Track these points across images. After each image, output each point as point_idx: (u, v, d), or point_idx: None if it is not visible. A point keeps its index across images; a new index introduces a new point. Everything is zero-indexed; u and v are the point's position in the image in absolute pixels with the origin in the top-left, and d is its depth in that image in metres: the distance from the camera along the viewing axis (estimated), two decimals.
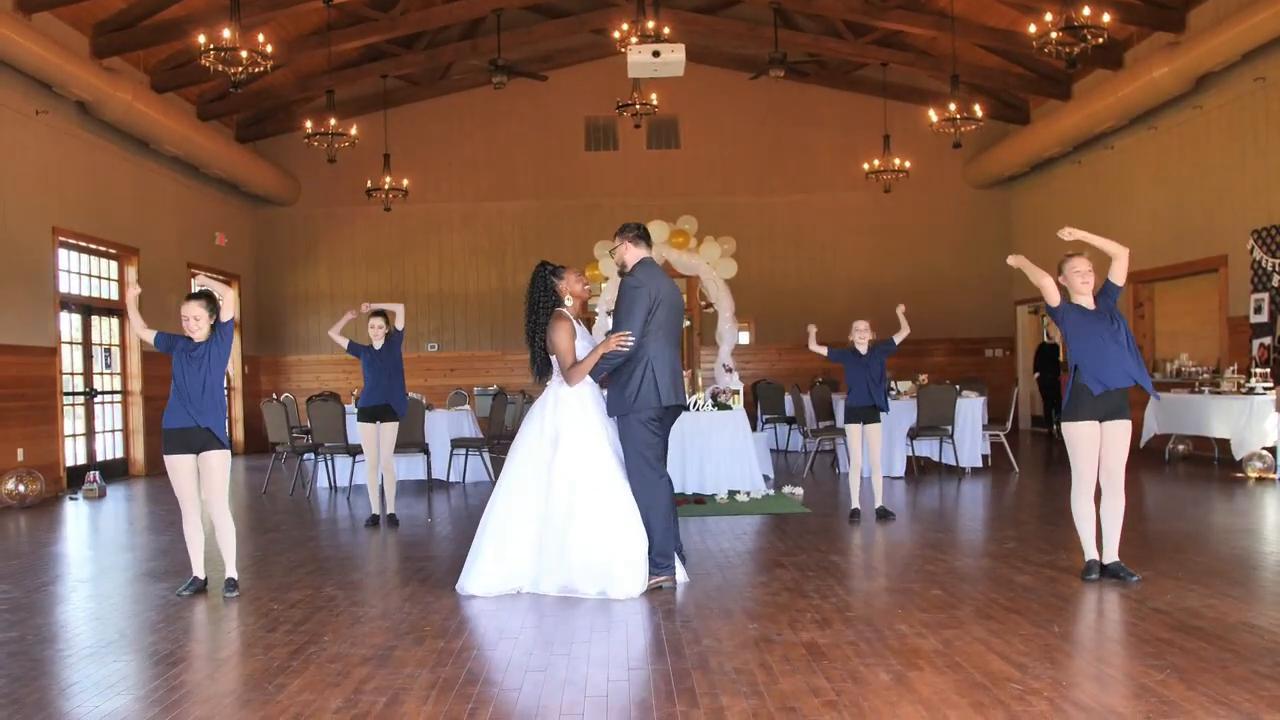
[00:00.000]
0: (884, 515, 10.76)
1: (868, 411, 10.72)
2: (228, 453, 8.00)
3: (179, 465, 7.85)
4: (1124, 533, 7.63)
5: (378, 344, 11.41)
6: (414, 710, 5.07)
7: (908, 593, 7.34)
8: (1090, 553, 7.58)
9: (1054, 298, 7.64)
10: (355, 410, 11.68)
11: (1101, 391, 7.36)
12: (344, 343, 11.54)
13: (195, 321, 7.88)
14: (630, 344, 7.58)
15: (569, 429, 7.67)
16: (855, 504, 10.89)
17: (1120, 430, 7.45)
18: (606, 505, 7.55)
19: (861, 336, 10.87)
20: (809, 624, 6.51)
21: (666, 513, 7.68)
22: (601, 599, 7.39)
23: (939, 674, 5.40)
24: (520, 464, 7.80)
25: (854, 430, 10.82)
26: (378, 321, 11.50)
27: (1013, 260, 8.37)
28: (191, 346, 7.85)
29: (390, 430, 11.48)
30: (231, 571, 7.98)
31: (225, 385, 8.07)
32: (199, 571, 8.02)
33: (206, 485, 7.94)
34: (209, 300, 7.98)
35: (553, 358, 7.84)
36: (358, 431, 11.65)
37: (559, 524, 7.55)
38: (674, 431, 8.79)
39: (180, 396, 7.80)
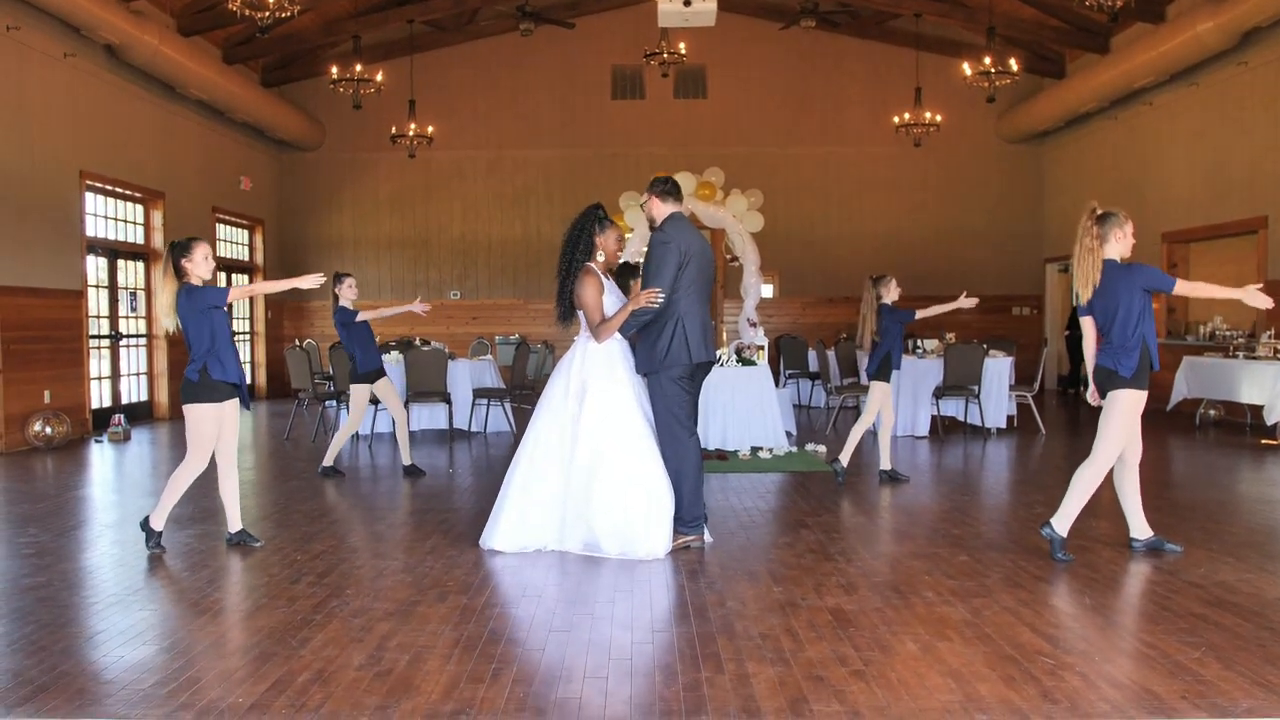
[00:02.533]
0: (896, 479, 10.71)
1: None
2: None
3: (217, 414, 7.76)
4: (1157, 500, 7.54)
5: (349, 305, 11.26)
6: (437, 669, 5.04)
7: (934, 558, 7.27)
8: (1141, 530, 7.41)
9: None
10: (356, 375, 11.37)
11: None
12: (349, 306, 11.20)
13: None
14: (660, 300, 7.47)
15: (595, 384, 7.60)
16: (886, 465, 10.79)
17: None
18: (632, 462, 7.48)
19: (893, 294, 10.57)
20: (834, 588, 6.46)
21: (696, 472, 7.62)
22: (624, 558, 7.34)
23: (968, 645, 5.34)
24: (546, 420, 7.72)
25: (882, 388, 10.65)
26: (352, 280, 11.37)
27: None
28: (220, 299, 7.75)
29: (390, 385, 11.47)
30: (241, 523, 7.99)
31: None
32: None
33: (231, 434, 7.90)
34: None
35: (579, 313, 7.75)
36: (357, 394, 11.31)
37: (583, 480, 7.49)
38: None
39: (229, 349, 7.71)
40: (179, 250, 7.65)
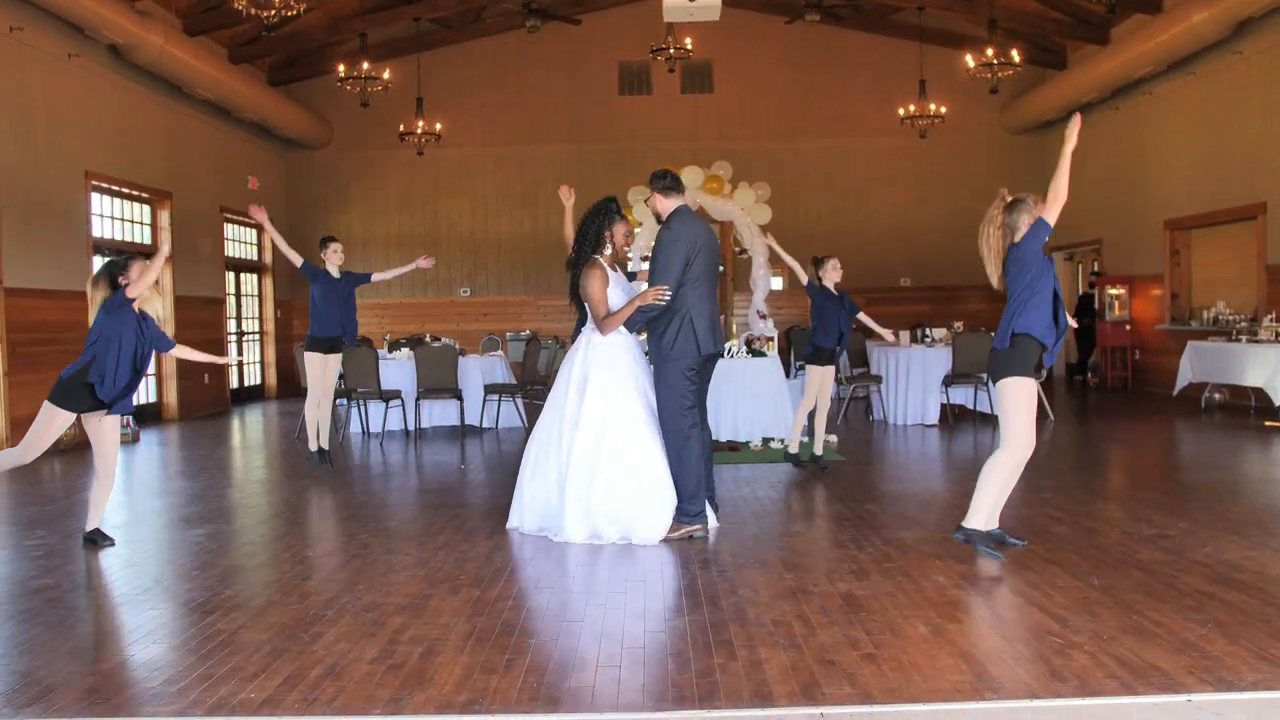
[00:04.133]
0: (824, 466, 10.75)
1: (833, 353, 10.77)
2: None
3: (66, 421, 7.79)
4: (1163, 481, 7.53)
5: (335, 271, 11.29)
6: (450, 660, 5.06)
7: (944, 543, 7.28)
8: (982, 522, 6.96)
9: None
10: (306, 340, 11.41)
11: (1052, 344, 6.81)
12: (298, 260, 11.23)
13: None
14: (667, 298, 7.55)
15: (597, 374, 7.70)
16: (794, 449, 10.92)
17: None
18: (631, 450, 7.58)
19: (833, 276, 10.83)
20: (846, 575, 6.48)
21: (699, 461, 7.68)
22: (625, 544, 7.45)
23: (978, 627, 5.37)
24: (550, 411, 7.93)
25: (817, 372, 10.81)
26: (337, 245, 11.43)
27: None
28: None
29: (337, 362, 11.40)
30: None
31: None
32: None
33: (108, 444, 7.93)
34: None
35: (586, 304, 7.83)
36: (306, 362, 11.28)
37: (585, 466, 7.58)
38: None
39: (119, 364, 7.71)
40: (117, 268, 7.74)
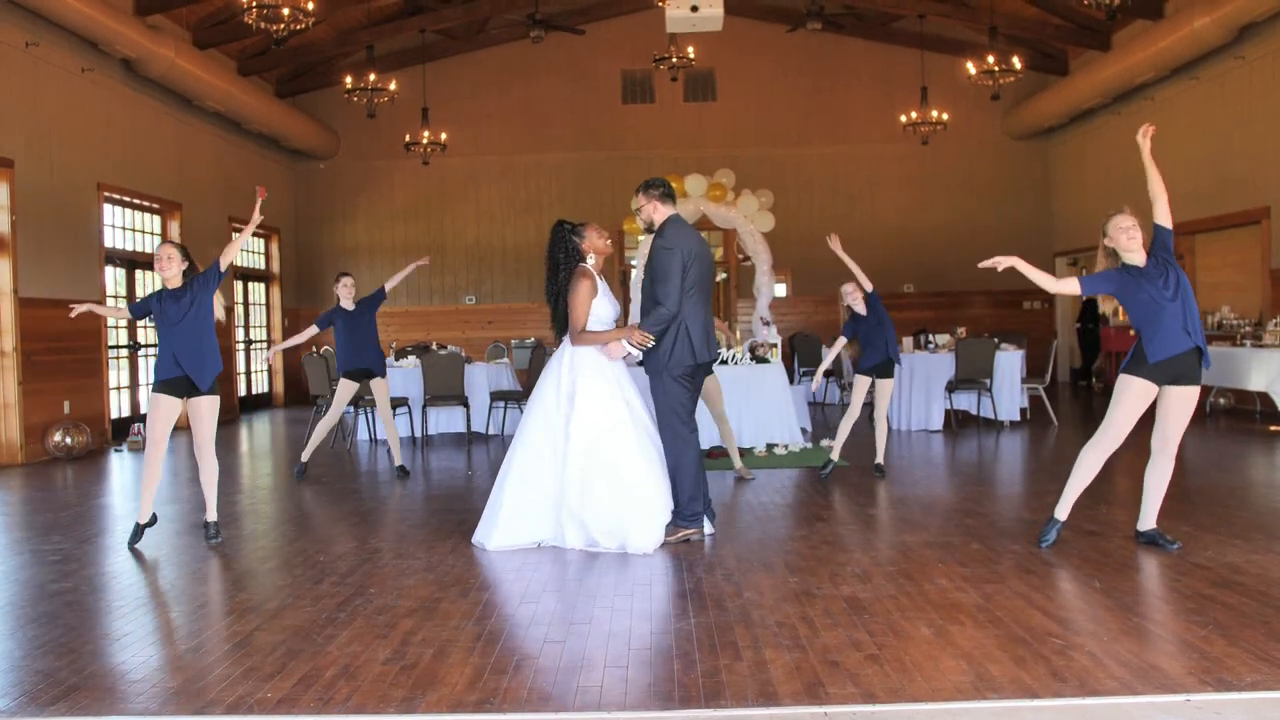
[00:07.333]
0: (880, 472, 10.76)
1: (884, 366, 10.65)
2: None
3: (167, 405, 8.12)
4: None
5: (349, 304, 11.59)
6: (461, 661, 5.15)
7: (947, 547, 7.36)
8: (1064, 512, 7.24)
9: (1057, 286, 7.41)
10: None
11: (1160, 360, 6.90)
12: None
13: (168, 261, 8.17)
14: (651, 344, 7.64)
15: (584, 383, 7.65)
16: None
17: (1183, 396, 6.96)
18: (622, 459, 7.56)
19: (853, 299, 10.69)
20: (849, 577, 6.56)
21: (696, 467, 7.73)
22: (622, 553, 7.44)
23: (980, 628, 5.44)
24: (537, 419, 7.78)
25: (864, 381, 10.76)
26: (348, 280, 11.68)
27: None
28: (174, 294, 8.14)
29: (382, 387, 11.75)
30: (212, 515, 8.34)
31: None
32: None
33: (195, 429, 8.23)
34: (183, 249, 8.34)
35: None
36: (341, 388, 11.69)
37: (576, 478, 7.55)
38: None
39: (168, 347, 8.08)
40: None
